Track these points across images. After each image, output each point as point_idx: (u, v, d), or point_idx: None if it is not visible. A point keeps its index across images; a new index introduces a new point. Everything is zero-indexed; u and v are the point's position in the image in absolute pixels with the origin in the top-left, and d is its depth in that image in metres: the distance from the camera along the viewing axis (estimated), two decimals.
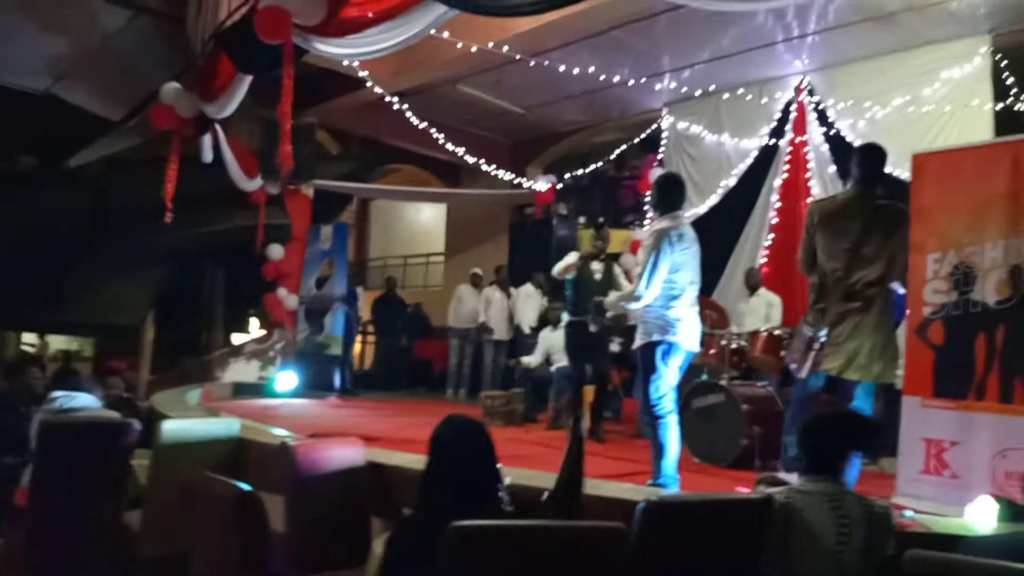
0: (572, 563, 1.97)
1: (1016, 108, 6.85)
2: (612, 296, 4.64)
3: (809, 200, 7.58)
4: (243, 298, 9.73)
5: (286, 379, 8.55)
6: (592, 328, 5.79)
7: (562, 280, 6.79)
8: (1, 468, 4.78)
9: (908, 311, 4.24)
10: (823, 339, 3.95)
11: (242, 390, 8.49)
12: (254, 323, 9.25)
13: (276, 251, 9.24)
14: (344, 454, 3.63)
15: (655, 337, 4.08)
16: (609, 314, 5.48)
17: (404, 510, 2.59)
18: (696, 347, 4.29)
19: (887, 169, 6.64)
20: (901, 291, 4.55)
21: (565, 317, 6.51)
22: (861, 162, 4.12)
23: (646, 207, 10.01)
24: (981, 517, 3.25)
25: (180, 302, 11.68)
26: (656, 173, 9.65)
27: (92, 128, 10.14)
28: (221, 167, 8.10)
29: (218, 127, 7.27)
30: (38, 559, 3.77)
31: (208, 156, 7.44)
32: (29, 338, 14.38)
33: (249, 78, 5.56)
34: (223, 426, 4.39)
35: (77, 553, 3.77)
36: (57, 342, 14.69)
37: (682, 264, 4.11)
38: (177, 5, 8.41)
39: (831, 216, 4.03)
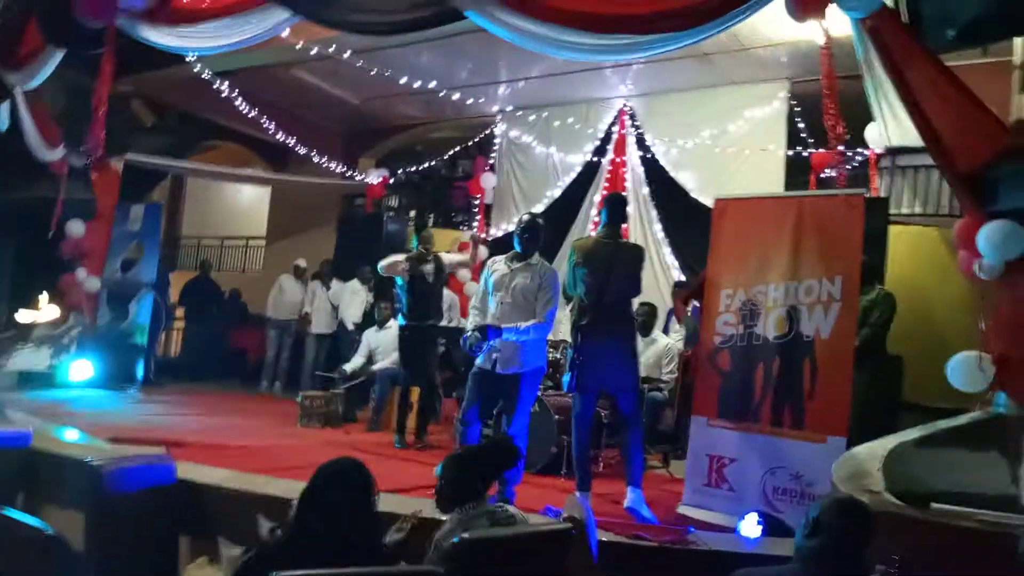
0: None
1: (804, 154, 7.69)
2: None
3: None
4: (36, 276, 8.81)
5: (81, 368, 7.89)
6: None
7: (389, 278, 6.87)
8: None
9: (701, 339, 4.77)
10: (582, 356, 4.48)
11: (29, 379, 7.73)
12: (45, 303, 8.38)
13: (77, 228, 8.42)
14: (154, 472, 3.49)
15: (541, 363, 4.54)
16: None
17: (273, 530, 2.61)
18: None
19: (693, 194, 7.57)
20: None
21: (399, 321, 6.56)
22: (609, 210, 4.76)
23: (475, 208, 10.26)
24: (749, 531, 3.76)
25: None
26: (487, 177, 9.94)
27: None
28: (18, 132, 7.33)
29: (18, 93, 6.58)
30: None
31: (4, 123, 6.71)
32: None
33: (62, 52, 5.10)
34: (12, 437, 3.99)
35: None
36: None
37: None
38: None
39: (587, 252, 4.64)
